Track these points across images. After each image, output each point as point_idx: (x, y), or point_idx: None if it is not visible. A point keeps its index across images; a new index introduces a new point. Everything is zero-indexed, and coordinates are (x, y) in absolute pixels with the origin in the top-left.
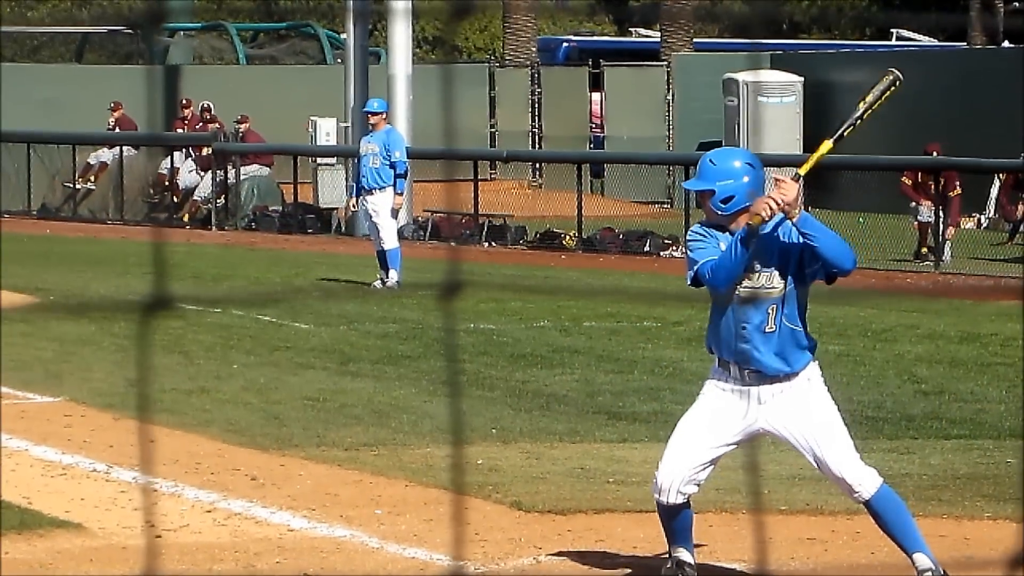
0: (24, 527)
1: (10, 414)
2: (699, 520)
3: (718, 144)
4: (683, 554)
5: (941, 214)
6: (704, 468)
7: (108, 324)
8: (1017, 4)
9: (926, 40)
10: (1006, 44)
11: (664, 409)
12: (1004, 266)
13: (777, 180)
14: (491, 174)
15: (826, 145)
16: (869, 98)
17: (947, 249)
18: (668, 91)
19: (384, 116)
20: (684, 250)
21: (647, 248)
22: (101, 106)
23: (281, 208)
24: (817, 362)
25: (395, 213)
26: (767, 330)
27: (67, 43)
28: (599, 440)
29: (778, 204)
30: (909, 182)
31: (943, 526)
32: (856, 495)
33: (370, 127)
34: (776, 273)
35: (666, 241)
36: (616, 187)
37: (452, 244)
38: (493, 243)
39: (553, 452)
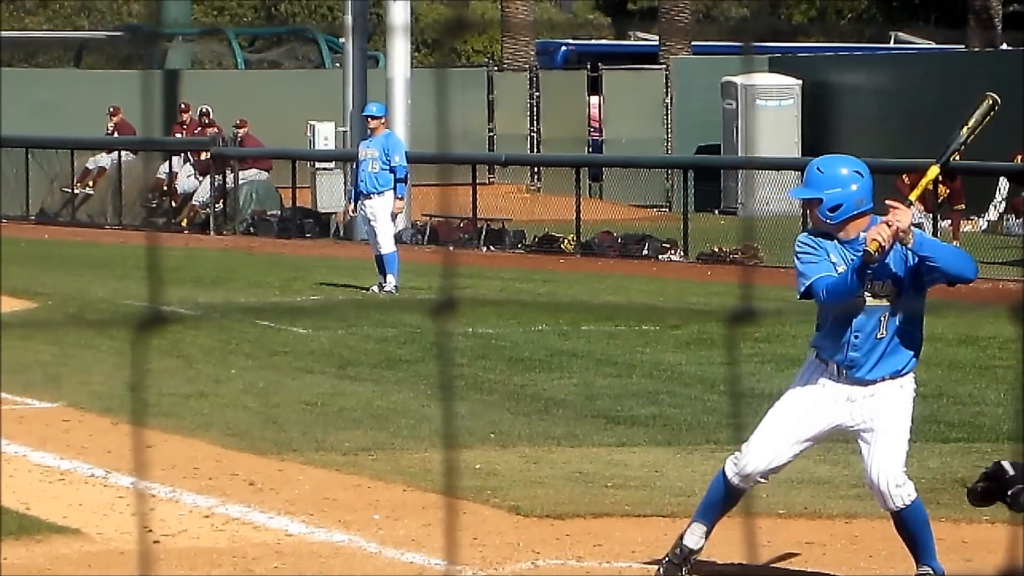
0: (23, 532)
1: (8, 419)
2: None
3: (717, 148)
4: (696, 533)
5: (943, 222)
6: (786, 463)
7: (106, 327)
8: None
9: (924, 43)
10: (1004, 47)
11: (663, 413)
12: (1004, 269)
13: (890, 207)
14: (489, 178)
15: (933, 170)
16: (971, 123)
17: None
18: (666, 94)
19: (383, 120)
20: (793, 260)
21: (646, 252)
22: (100, 111)
23: (280, 212)
24: (913, 373)
25: (395, 217)
26: (878, 336)
27: (66, 47)
28: (598, 444)
29: (892, 233)
30: (908, 182)
31: (941, 529)
32: (887, 505)
33: (369, 131)
34: (890, 282)
35: (664, 244)
36: (615, 191)
37: (450, 248)
38: (492, 247)
39: (552, 456)
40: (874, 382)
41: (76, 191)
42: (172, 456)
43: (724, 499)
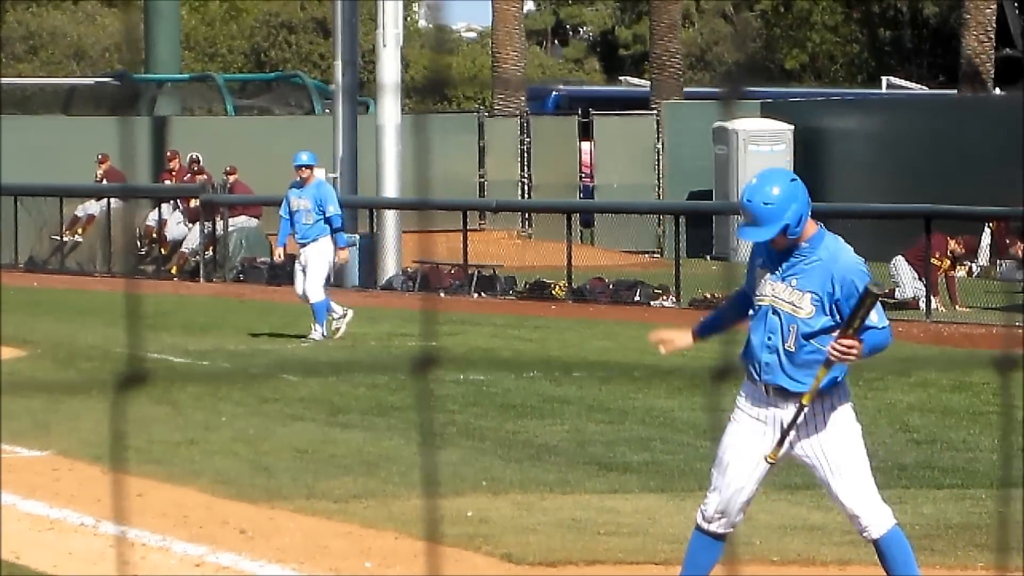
0: None
1: None
2: None
3: (708, 194)
4: None
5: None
6: (751, 495)
7: (96, 373)
8: (1008, 51)
9: (917, 88)
10: (997, 91)
11: (655, 459)
12: (998, 315)
13: (837, 346)
14: (480, 224)
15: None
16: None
17: (935, 301)
18: (658, 139)
19: (313, 169)
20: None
21: (638, 298)
22: (89, 158)
23: (269, 260)
24: (846, 390)
25: (341, 267)
26: (787, 347)
27: (55, 94)
28: (590, 491)
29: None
30: (960, 248)
31: None
32: (865, 533)
33: (300, 180)
34: (808, 298)
35: (656, 291)
36: (606, 237)
37: (441, 294)
38: (483, 293)
39: (544, 503)
40: (795, 394)
41: (65, 239)
42: (162, 504)
43: (700, 551)
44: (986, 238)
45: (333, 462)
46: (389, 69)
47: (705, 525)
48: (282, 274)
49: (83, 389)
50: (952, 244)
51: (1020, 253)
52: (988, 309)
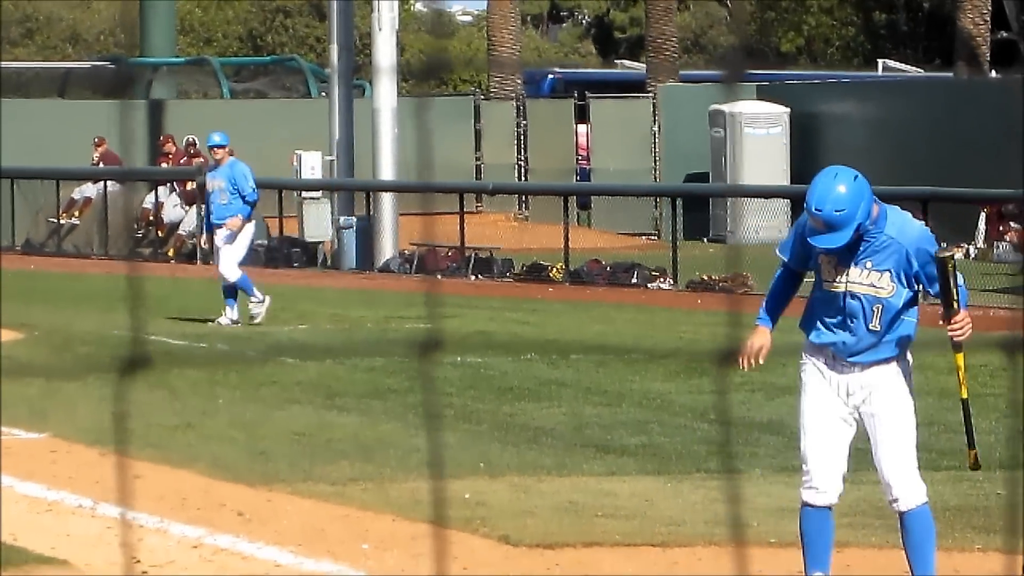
0: (10, 564)
1: None
2: (687, 553)
3: (705, 176)
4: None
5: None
6: (847, 459)
7: (93, 356)
8: (1004, 33)
9: (913, 70)
10: (993, 74)
11: (652, 442)
12: (996, 296)
13: (960, 321)
14: (477, 207)
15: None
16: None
17: None
18: (654, 122)
19: (228, 149)
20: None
21: (634, 280)
22: (85, 141)
23: (266, 242)
24: (908, 362)
25: (232, 237)
26: (872, 328)
27: (51, 78)
28: (587, 473)
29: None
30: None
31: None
32: (895, 504)
33: (215, 161)
34: (887, 276)
35: (654, 273)
36: (603, 219)
37: (438, 277)
38: (480, 276)
39: (541, 486)
40: (868, 366)
41: (62, 222)
42: (160, 487)
43: (819, 529)
44: (982, 221)
45: (330, 446)
46: (385, 52)
47: (814, 500)
48: (278, 257)
49: (80, 372)
50: None
51: (1015, 237)
52: (985, 291)
